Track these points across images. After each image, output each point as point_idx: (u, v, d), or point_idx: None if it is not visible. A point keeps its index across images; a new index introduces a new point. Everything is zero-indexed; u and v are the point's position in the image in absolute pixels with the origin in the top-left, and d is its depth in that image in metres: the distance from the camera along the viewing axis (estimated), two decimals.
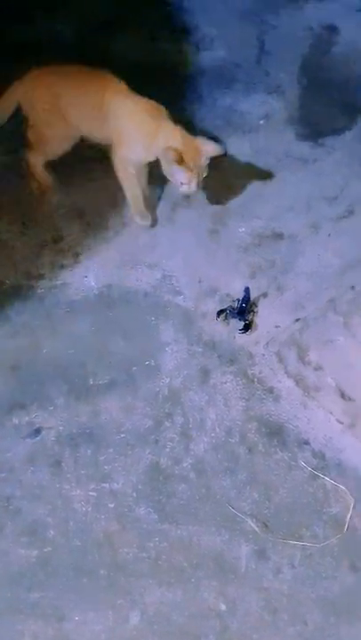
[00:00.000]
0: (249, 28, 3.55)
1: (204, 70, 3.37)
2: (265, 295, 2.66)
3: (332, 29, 3.58)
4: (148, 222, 2.83)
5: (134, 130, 2.71)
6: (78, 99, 2.77)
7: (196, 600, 2.03)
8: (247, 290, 2.60)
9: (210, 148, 2.64)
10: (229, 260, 2.77)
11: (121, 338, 2.54)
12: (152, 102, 2.71)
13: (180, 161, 2.58)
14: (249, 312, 2.60)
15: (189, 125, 3.11)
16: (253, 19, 3.58)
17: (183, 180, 2.64)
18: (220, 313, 2.59)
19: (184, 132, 2.64)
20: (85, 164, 2.95)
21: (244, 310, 2.58)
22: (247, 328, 2.58)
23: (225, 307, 2.60)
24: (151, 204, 2.88)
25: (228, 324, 2.59)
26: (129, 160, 2.75)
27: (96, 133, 2.79)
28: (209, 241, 2.83)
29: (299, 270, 2.74)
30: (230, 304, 2.61)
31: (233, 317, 2.59)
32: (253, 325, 2.59)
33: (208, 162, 2.65)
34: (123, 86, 2.73)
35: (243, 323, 2.57)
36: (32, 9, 3.49)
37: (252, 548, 2.12)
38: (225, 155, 2.82)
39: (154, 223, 2.85)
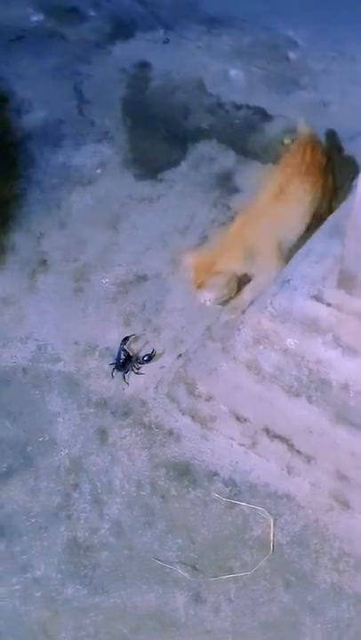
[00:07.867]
0: (64, 83, 3.57)
1: (29, 133, 3.35)
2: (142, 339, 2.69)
3: (145, 65, 3.66)
4: None
5: None
6: None
7: None
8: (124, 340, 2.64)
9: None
10: (100, 314, 2.77)
11: (8, 421, 2.48)
12: None
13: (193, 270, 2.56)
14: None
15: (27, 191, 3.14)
16: (66, 72, 3.61)
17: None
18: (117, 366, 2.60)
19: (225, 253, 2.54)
20: None
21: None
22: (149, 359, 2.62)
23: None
24: None
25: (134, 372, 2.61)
26: None
27: None
28: (76, 300, 2.81)
29: (170, 307, 2.77)
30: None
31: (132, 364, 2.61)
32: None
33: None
34: None
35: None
36: None
37: (187, 595, 2.13)
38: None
39: None
